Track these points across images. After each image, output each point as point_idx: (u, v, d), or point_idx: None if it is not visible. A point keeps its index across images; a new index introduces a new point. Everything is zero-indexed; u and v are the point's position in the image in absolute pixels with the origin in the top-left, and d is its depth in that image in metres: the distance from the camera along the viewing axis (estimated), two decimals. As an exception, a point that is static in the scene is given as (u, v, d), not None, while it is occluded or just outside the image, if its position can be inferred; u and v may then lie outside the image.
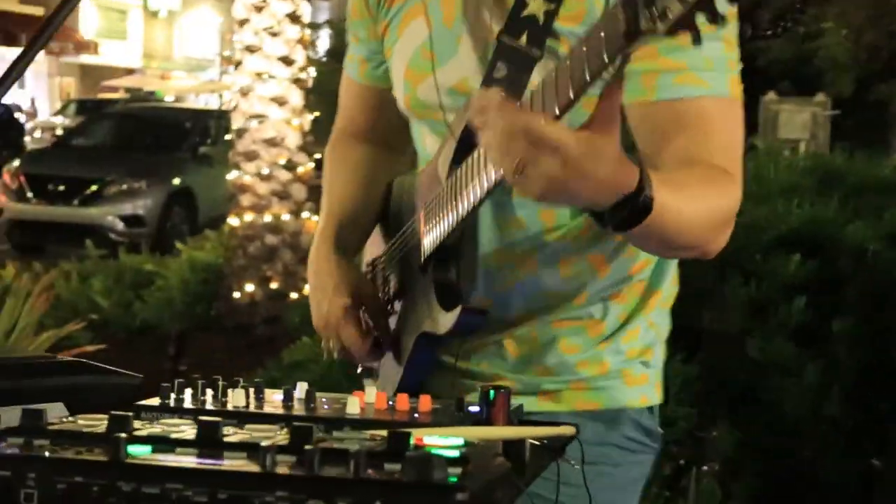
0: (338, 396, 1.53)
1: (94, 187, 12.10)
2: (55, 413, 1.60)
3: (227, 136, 8.45)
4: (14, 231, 12.19)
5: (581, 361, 1.77)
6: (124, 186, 12.17)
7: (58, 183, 12.12)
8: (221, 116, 12.56)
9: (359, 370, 1.98)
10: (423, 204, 1.77)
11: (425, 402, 1.46)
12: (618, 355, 1.78)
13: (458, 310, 1.67)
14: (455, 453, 1.19)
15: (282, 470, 1.13)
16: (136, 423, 1.32)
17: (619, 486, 1.79)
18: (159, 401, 1.49)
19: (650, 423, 1.82)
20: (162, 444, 1.24)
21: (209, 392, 1.50)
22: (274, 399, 1.50)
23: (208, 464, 1.16)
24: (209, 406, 1.48)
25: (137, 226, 11.94)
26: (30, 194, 12.15)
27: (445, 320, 1.69)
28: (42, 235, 12.06)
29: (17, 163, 12.78)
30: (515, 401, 1.61)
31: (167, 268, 7.96)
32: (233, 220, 7.98)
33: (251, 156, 7.92)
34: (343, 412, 1.44)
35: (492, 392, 1.40)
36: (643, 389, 1.81)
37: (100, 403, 1.50)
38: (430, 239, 1.73)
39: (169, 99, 27.41)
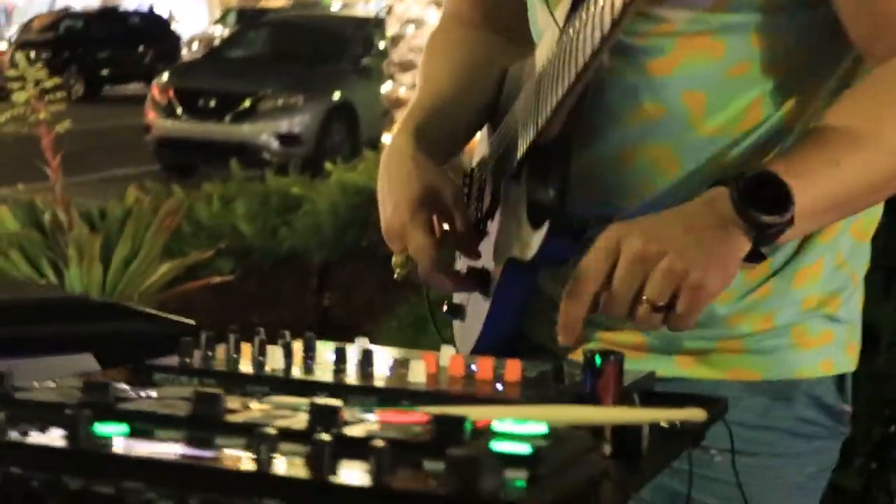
0: (410, 356, 1.29)
1: (247, 102, 12.11)
2: (82, 365, 1.41)
3: (381, 45, 8.27)
4: (163, 150, 12.30)
5: (735, 313, 1.48)
6: (280, 102, 12.14)
7: (209, 98, 12.17)
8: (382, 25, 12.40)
9: (444, 308, 1.71)
10: (524, 91, 1.51)
11: (513, 369, 1.21)
12: (789, 304, 1.49)
13: (543, 229, 1.41)
14: (526, 448, 0.93)
15: (277, 469, 0.90)
16: (128, 390, 1.11)
17: (787, 485, 1.50)
18: (178, 359, 1.28)
19: (835, 400, 1.52)
20: (144, 422, 1.02)
21: (250, 347, 1.29)
22: (325, 359, 1.27)
23: (187, 455, 0.94)
24: (240, 367, 1.25)
25: (294, 145, 11.90)
26: (179, 110, 12.24)
27: (532, 242, 1.43)
28: (192, 155, 12.14)
29: (165, 76, 12.88)
30: (646, 364, 1.35)
31: (316, 191, 7.84)
32: (387, 138, 7.80)
33: (407, 66, 7.71)
34: (404, 381, 1.20)
35: (598, 358, 1.14)
36: (826, 352, 1.51)
37: (141, 355, 1.31)
38: (525, 135, 1.46)
39: (336, 7, 27.45)
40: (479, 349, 1.55)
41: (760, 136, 1.45)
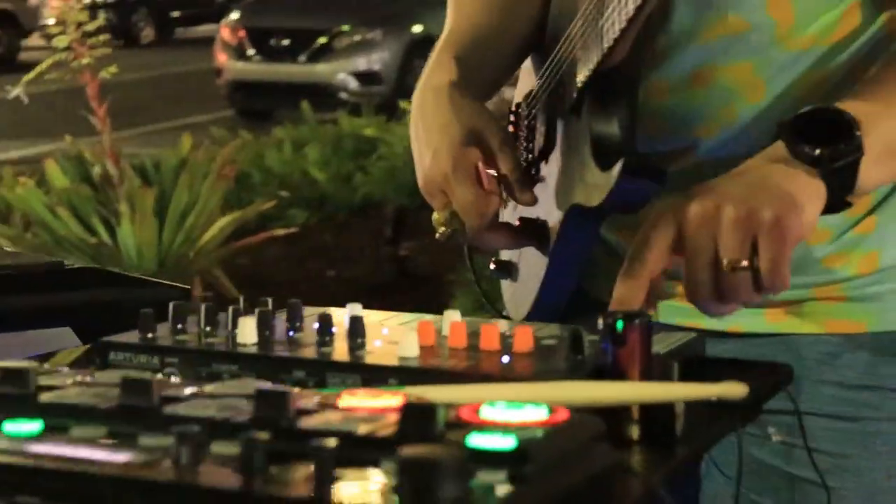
0: (407, 323, 1.16)
1: (322, 40, 12.00)
2: (59, 340, 1.30)
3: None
4: (236, 95, 12.24)
5: (833, 254, 1.35)
6: (357, 38, 12.00)
7: (282, 36, 12.08)
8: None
9: (491, 267, 1.58)
10: (582, 10, 1.36)
11: (524, 337, 1.07)
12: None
13: (616, 168, 1.26)
14: (510, 442, 0.80)
15: (196, 476, 0.77)
16: (66, 374, 0.99)
17: (894, 454, 1.36)
18: (139, 334, 1.16)
19: None
20: (64, 415, 0.90)
21: (225, 316, 1.16)
22: (311, 330, 1.14)
23: (97, 459, 0.81)
24: (211, 341, 1.13)
25: (372, 83, 11.77)
26: (251, 51, 12.17)
27: (601, 185, 1.29)
28: (266, 98, 12.08)
29: (236, 15, 12.80)
30: (731, 320, 1.28)
31: (392, 133, 7.71)
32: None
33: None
34: (390, 355, 1.06)
35: (619, 322, 0.99)
36: None
37: (128, 327, 1.19)
38: (586, 61, 1.32)
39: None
40: (537, 311, 1.42)
41: (853, 51, 1.31)
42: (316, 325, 1.13)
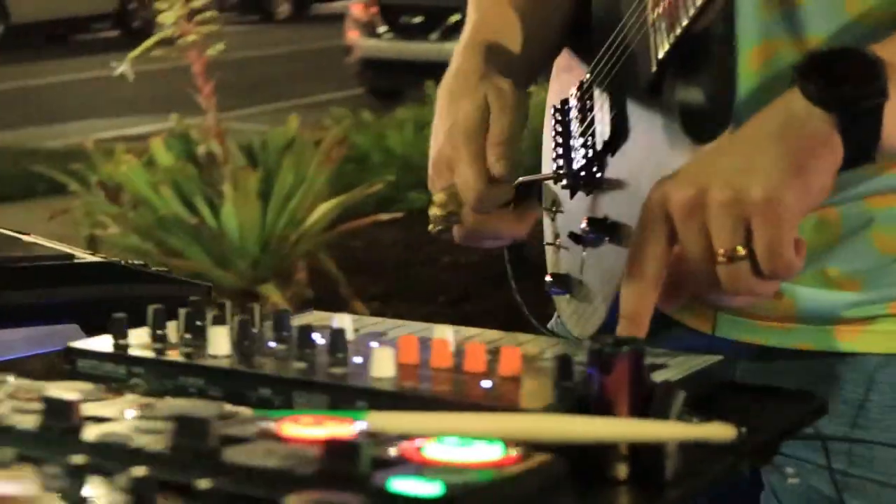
0: (392, 335, 1.10)
1: (455, 18, 11.94)
2: (65, 337, 1.26)
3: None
4: (366, 72, 12.25)
5: None
6: (492, 14, 11.93)
7: (414, 13, 12.05)
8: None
9: (547, 280, 1.48)
10: None
11: (511, 359, 0.99)
12: None
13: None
14: (433, 490, 0.72)
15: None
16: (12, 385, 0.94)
17: None
18: (112, 341, 1.11)
19: None
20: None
21: (208, 321, 1.11)
22: (293, 340, 1.08)
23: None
24: (183, 350, 1.07)
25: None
26: (382, 28, 12.16)
27: None
28: (397, 77, 12.05)
29: (368, -9, 12.82)
30: (794, 336, 1.22)
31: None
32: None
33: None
34: (363, 374, 0.99)
35: (606, 349, 0.91)
36: None
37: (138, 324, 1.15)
38: (668, 28, 1.22)
39: None
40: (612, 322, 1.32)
41: None
42: (307, 336, 1.07)
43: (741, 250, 1.05)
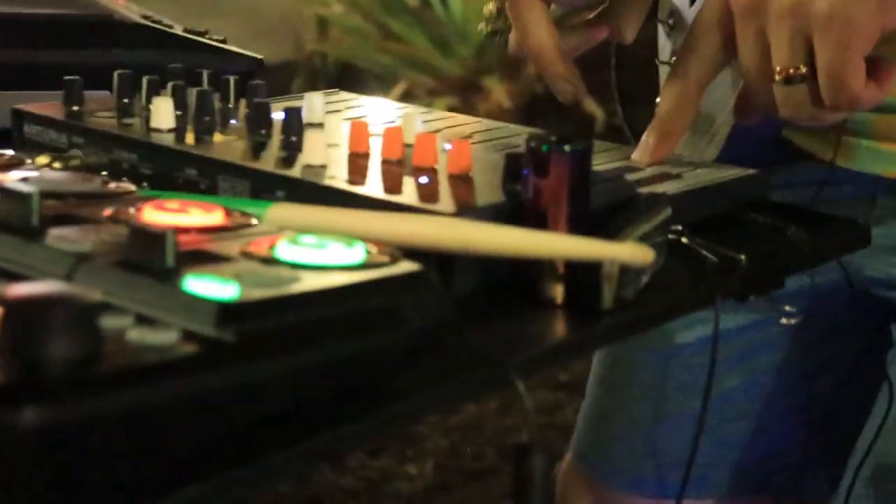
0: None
1: None
2: (97, 102, 1.25)
3: None
4: None
5: None
6: None
7: None
8: None
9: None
10: None
11: (460, 154, 0.91)
12: None
13: None
14: (226, 293, 0.66)
15: None
16: None
17: None
18: (62, 107, 1.08)
19: None
20: None
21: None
22: (252, 119, 1.02)
23: None
24: (126, 122, 1.04)
25: None
26: None
27: None
28: None
29: None
30: None
31: None
32: None
33: None
34: (293, 160, 0.93)
35: (545, 147, 0.82)
36: None
37: None
38: None
39: None
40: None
41: None
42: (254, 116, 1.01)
43: (801, 69, 0.94)
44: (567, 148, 0.82)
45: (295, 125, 0.98)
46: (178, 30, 1.44)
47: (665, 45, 1.32)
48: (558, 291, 0.83)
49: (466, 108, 4.72)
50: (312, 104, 1.04)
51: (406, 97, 4.84)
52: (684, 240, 0.91)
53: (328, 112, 1.09)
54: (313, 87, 5.17)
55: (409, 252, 0.76)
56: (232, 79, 1.10)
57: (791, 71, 0.94)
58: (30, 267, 0.72)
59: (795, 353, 1.32)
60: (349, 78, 5.20)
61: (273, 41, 5.33)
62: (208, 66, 1.42)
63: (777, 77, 0.94)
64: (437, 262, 0.79)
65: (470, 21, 4.66)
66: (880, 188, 1.21)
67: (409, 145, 0.95)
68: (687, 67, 1.00)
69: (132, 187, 0.87)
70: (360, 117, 1.07)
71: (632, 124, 1.40)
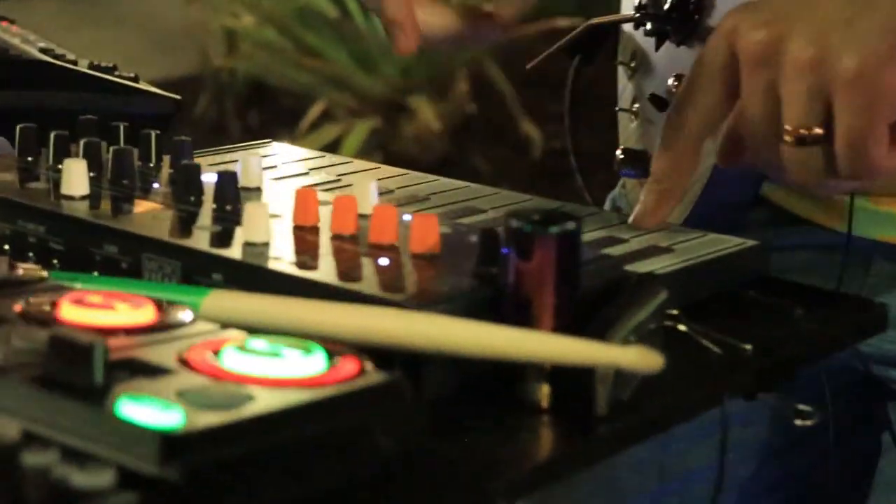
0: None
1: None
2: None
3: None
4: None
5: None
6: None
7: None
8: None
9: (618, 157, 1.28)
10: None
11: (425, 229, 0.85)
12: None
13: None
14: (174, 418, 0.60)
15: None
16: None
17: None
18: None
19: None
20: None
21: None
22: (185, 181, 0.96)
23: None
24: (32, 186, 0.97)
25: None
26: None
27: None
28: None
29: None
30: None
31: None
32: None
33: None
34: (232, 236, 0.87)
35: (528, 227, 0.76)
36: None
37: None
38: None
39: None
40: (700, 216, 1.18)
41: None
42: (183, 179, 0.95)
43: (816, 131, 0.90)
44: (554, 230, 0.76)
45: (230, 192, 0.92)
46: (83, 66, 1.37)
47: (626, 90, 1.27)
48: (544, 394, 0.77)
49: (391, 129, 4.67)
50: (249, 166, 0.98)
51: (325, 118, 4.78)
52: (682, 327, 0.85)
53: (264, 168, 1.03)
54: (220, 104, 5.10)
55: (369, 350, 0.71)
56: (153, 133, 1.03)
57: (804, 132, 0.89)
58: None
59: (770, 429, 1.28)
60: (261, 96, 5.14)
61: (175, 54, 5.26)
62: (118, 107, 1.36)
63: (787, 137, 0.89)
64: (402, 362, 0.73)
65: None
66: (877, 254, 1.17)
67: (363, 216, 0.89)
68: (684, 119, 0.95)
69: (44, 273, 0.81)
70: (305, 182, 1.01)
71: (577, 154, 1.35)
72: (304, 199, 0.89)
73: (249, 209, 0.86)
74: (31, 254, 0.91)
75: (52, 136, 1.02)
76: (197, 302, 0.78)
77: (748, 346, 0.84)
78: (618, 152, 1.22)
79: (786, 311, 0.90)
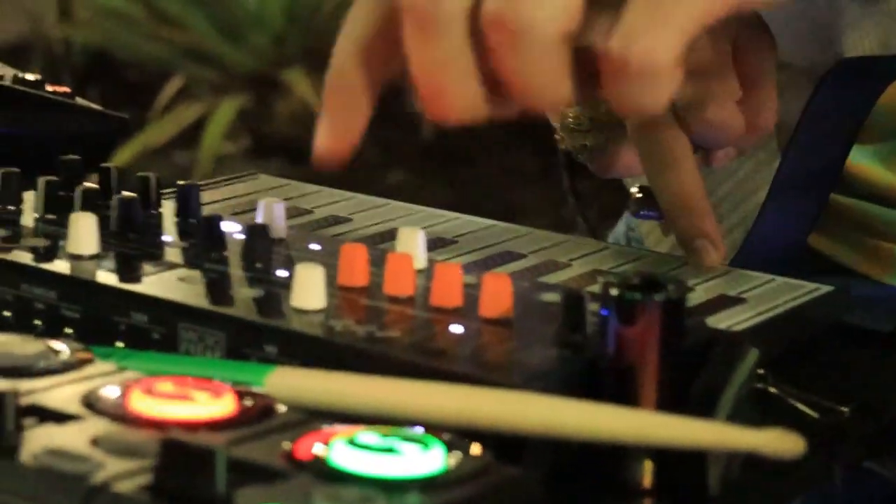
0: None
1: None
2: None
3: None
4: None
5: None
6: None
7: None
8: None
9: (636, 195, 1.27)
10: None
11: (498, 290, 0.89)
12: None
13: None
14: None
15: None
16: None
17: None
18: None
19: None
20: None
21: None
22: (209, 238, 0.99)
23: None
24: (33, 244, 1.00)
25: None
26: None
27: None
28: None
29: None
30: None
31: None
32: None
33: None
34: (280, 301, 0.91)
35: (628, 295, 0.81)
36: None
37: None
38: None
39: None
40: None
41: None
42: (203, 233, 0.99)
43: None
44: (660, 297, 0.81)
45: (261, 249, 0.96)
46: (7, 81, 1.40)
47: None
48: (647, 474, 0.82)
49: (262, 108, 4.70)
50: (272, 214, 1.01)
51: (183, 95, 4.79)
52: (772, 389, 0.90)
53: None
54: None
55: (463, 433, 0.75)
56: (152, 176, 1.07)
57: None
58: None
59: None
60: (104, 70, 5.12)
61: (-2, 16, 5.22)
62: (59, 128, 1.39)
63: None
64: (496, 446, 0.77)
65: (267, 3, 4.63)
66: None
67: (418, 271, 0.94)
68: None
69: (88, 353, 0.84)
70: (343, 231, 1.05)
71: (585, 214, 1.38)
72: (352, 255, 0.93)
73: (301, 272, 0.89)
74: (37, 322, 0.94)
75: (40, 182, 1.04)
76: (260, 380, 0.82)
77: (844, 408, 0.89)
78: (633, 189, 1.20)
79: (869, 363, 0.96)
